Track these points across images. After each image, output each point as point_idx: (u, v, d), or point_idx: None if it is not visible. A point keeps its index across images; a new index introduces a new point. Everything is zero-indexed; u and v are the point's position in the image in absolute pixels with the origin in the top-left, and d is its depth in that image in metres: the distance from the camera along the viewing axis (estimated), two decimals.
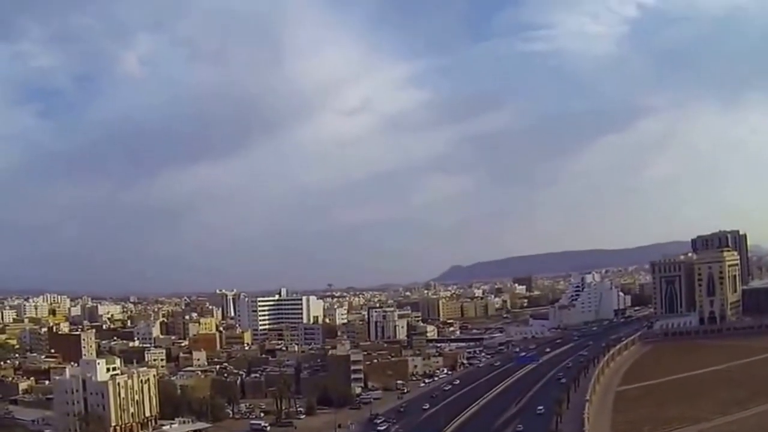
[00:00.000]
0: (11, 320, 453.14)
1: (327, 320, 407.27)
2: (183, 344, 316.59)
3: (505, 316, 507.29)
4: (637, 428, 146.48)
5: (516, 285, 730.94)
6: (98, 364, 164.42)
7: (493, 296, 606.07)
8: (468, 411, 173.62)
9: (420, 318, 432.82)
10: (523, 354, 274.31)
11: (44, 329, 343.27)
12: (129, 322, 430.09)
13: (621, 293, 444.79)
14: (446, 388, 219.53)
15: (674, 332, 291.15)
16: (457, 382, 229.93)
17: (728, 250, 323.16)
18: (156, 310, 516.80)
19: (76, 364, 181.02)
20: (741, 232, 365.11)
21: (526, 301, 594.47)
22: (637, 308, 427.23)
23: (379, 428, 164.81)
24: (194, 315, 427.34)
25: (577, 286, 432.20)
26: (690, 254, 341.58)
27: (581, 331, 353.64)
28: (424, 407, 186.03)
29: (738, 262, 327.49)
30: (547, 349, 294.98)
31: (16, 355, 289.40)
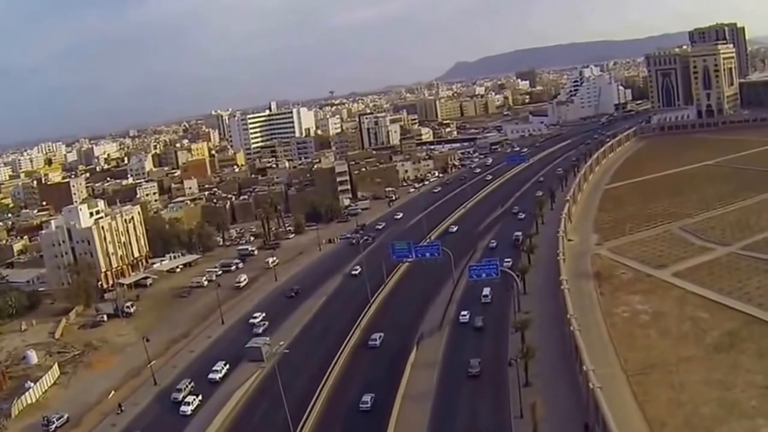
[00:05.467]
0: (7, 177, 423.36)
1: (319, 131, 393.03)
2: (176, 174, 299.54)
3: (505, 113, 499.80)
4: (620, 226, 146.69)
5: (519, 80, 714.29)
6: (80, 210, 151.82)
7: (494, 93, 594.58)
8: (448, 219, 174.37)
9: (417, 120, 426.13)
10: (513, 153, 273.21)
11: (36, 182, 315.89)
12: (126, 159, 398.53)
13: (622, 87, 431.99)
14: (436, 191, 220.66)
15: (671, 126, 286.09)
16: (438, 189, 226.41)
17: (724, 43, 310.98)
18: (154, 141, 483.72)
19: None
20: (739, 25, 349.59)
21: (527, 97, 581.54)
22: (639, 102, 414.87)
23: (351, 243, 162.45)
24: (185, 142, 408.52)
25: (576, 81, 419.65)
26: (685, 47, 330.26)
27: (579, 127, 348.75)
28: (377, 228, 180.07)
29: (734, 55, 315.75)
30: (541, 147, 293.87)
31: (10, 214, 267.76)
